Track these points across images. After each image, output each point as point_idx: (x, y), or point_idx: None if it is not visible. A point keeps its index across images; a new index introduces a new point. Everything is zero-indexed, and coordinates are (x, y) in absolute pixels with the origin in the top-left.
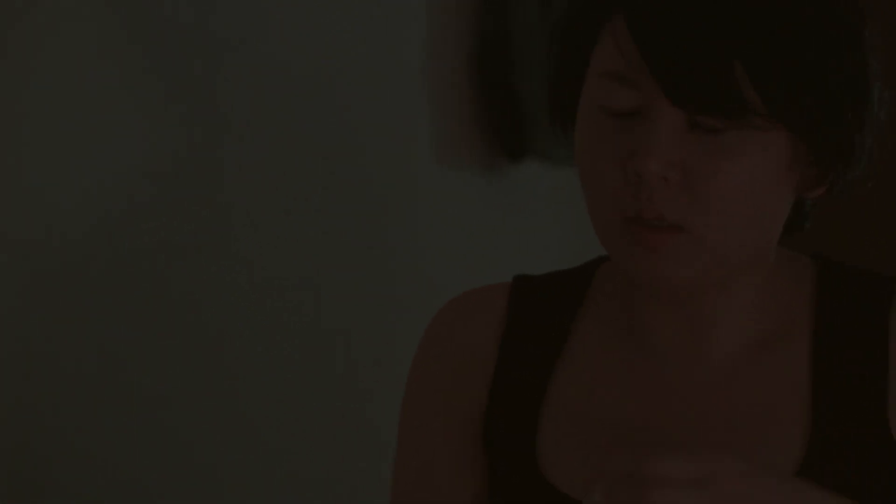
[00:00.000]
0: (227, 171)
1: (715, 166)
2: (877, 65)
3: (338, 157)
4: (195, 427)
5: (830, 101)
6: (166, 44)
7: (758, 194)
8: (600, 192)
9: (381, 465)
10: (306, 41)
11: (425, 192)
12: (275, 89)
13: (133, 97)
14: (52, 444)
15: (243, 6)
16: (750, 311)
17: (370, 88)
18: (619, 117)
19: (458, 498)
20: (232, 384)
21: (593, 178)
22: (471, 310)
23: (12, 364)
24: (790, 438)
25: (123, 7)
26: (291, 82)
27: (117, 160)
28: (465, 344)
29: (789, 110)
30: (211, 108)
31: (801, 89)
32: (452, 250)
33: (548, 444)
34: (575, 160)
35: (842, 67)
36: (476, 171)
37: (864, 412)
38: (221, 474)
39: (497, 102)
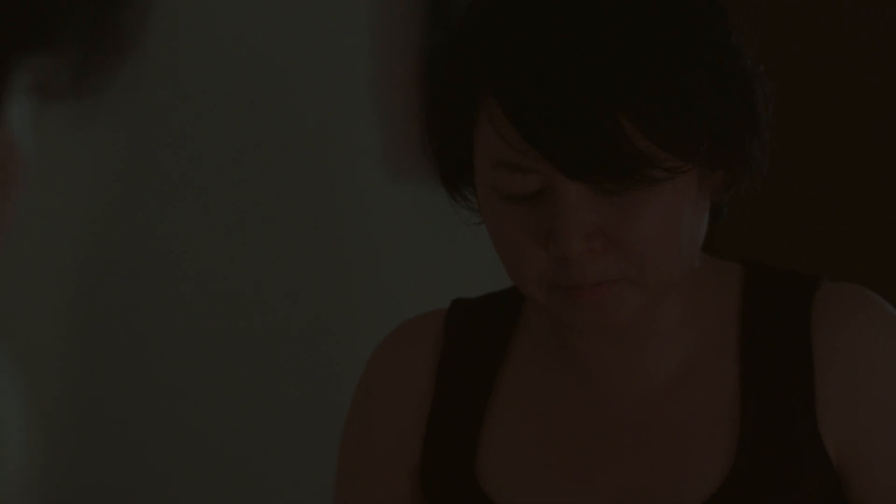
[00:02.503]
0: (170, 180)
1: (632, 221)
2: (752, 58)
3: (289, 165)
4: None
5: (723, 122)
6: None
7: (679, 226)
8: (525, 270)
9: None
10: (256, 50)
11: (377, 202)
12: (223, 97)
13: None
14: None
15: (196, 11)
16: (679, 327)
17: (317, 99)
18: (524, 199)
19: None
20: (182, 395)
21: (514, 258)
22: (406, 342)
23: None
24: (719, 448)
25: None
26: (239, 92)
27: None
28: (402, 377)
29: (687, 147)
30: (150, 114)
31: (692, 123)
32: (407, 259)
33: (488, 463)
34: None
35: (724, 85)
36: (424, 184)
37: (792, 416)
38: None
39: None
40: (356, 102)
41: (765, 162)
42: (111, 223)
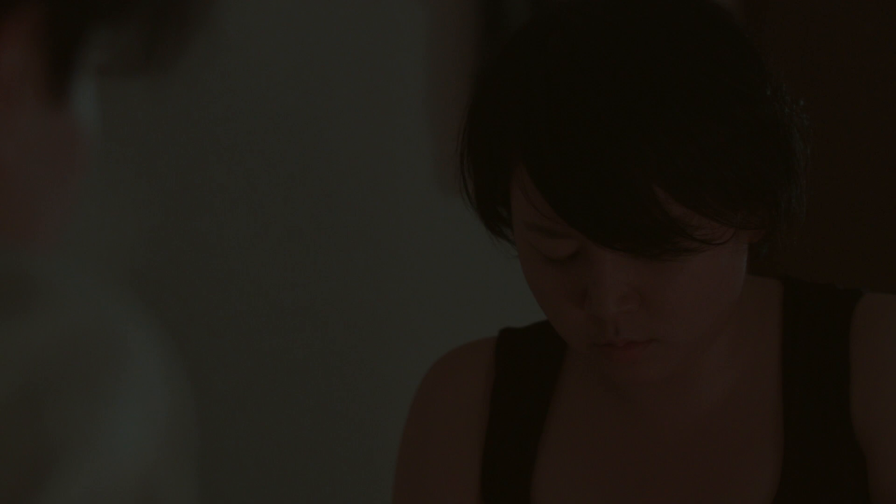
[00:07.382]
0: (213, 187)
1: (667, 283)
2: (789, 97)
3: (340, 180)
4: None
5: (759, 182)
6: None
7: (716, 283)
8: (563, 324)
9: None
10: (311, 68)
11: (423, 217)
12: (279, 113)
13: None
14: None
15: (249, 21)
16: (725, 360)
17: (371, 117)
18: (561, 260)
19: None
20: (218, 396)
21: (552, 313)
22: (459, 368)
23: None
24: (765, 466)
25: None
26: (293, 108)
27: None
28: (456, 404)
29: (722, 213)
30: (203, 119)
31: (727, 187)
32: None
33: (543, 490)
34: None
35: (759, 142)
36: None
37: (831, 427)
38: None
39: None
40: (411, 122)
41: (802, 208)
42: (142, 228)
